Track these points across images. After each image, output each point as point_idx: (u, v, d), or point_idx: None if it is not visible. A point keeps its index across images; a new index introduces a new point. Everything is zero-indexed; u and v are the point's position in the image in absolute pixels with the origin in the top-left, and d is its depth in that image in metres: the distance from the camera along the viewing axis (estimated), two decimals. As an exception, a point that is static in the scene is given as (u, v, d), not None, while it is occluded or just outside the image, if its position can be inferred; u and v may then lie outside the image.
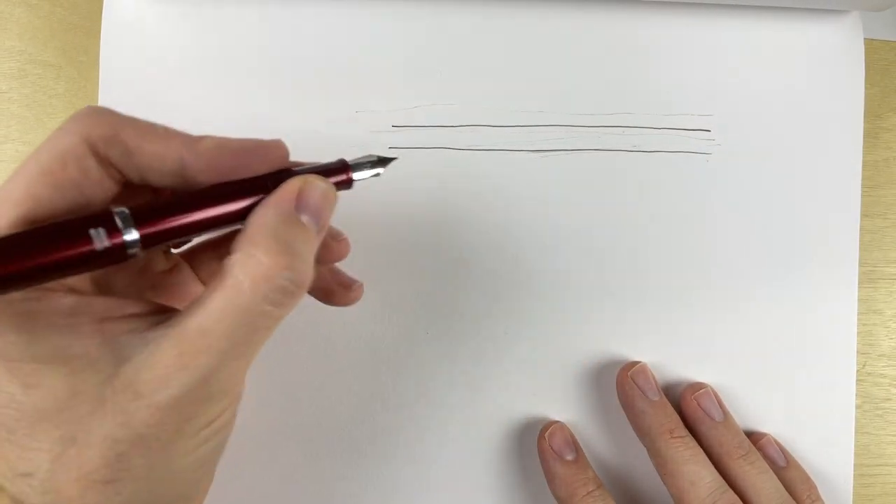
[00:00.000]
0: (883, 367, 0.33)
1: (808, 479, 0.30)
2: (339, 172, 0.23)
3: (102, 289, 0.22)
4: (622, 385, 0.30)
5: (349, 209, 0.31)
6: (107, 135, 0.20)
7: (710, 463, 0.29)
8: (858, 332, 0.32)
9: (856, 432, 0.32)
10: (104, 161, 0.20)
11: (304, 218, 0.21)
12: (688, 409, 0.30)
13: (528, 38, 0.32)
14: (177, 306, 0.22)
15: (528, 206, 0.31)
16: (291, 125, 0.31)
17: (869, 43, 0.33)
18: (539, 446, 0.30)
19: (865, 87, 0.32)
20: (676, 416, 0.30)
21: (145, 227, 0.19)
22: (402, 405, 0.31)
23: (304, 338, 0.30)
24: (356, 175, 0.23)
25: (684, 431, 0.29)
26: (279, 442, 0.29)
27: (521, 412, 0.31)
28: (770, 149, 0.32)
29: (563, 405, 0.31)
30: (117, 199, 0.21)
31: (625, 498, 0.31)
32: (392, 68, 0.31)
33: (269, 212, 0.20)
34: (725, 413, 0.30)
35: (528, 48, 0.32)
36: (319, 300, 0.25)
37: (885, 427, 0.33)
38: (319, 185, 0.21)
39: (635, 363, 0.31)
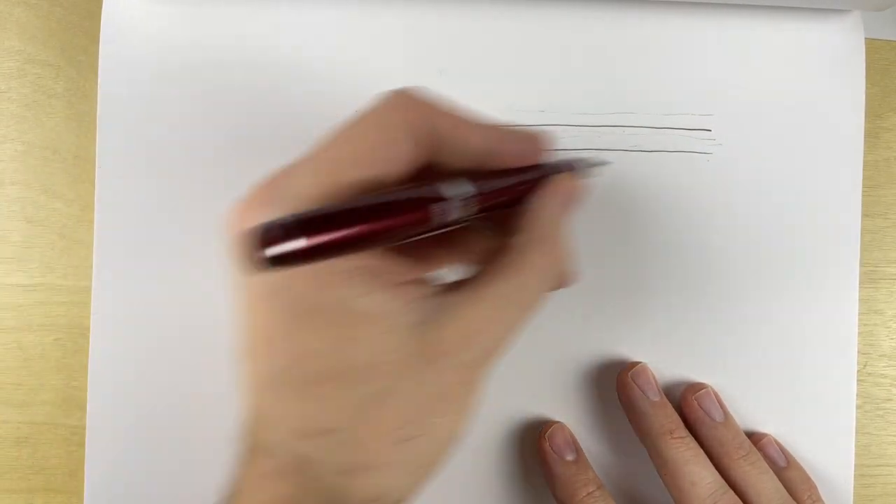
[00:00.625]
0: (884, 367, 0.33)
1: (808, 479, 0.30)
2: (577, 170, 0.26)
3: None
4: (623, 385, 0.30)
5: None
6: (428, 118, 0.21)
7: (710, 463, 0.29)
8: (859, 333, 0.32)
9: (856, 433, 0.32)
10: (421, 140, 0.21)
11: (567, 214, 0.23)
12: (688, 409, 0.30)
13: (528, 37, 0.31)
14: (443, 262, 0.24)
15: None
16: (291, 124, 0.31)
17: (870, 42, 0.33)
18: (539, 447, 0.30)
19: (866, 87, 0.32)
20: (677, 417, 0.30)
21: (475, 201, 0.21)
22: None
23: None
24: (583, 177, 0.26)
25: (685, 432, 0.29)
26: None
27: (521, 412, 0.31)
28: (770, 148, 0.32)
29: (564, 405, 0.31)
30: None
31: (625, 499, 0.31)
32: (392, 68, 0.31)
33: (549, 204, 0.23)
34: (726, 413, 0.30)
35: (528, 48, 0.31)
36: None
37: (885, 427, 0.33)
38: (580, 185, 0.24)
39: (636, 363, 0.31)
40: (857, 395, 0.32)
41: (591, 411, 0.31)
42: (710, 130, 0.32)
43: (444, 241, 0.25)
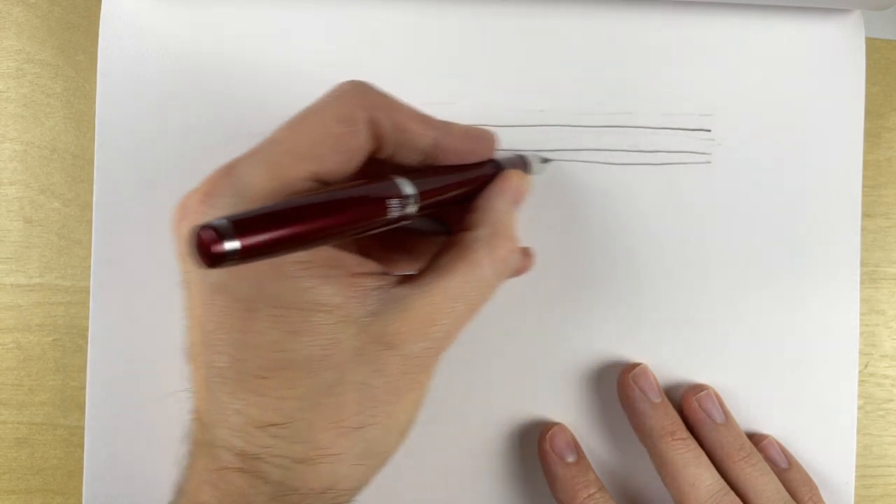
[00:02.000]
0: (885, 367, 0.33)
1: (809, 480, 0.30)
2: (522, 167, 0.27)
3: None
4: (623, 386, 0.30)
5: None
6: (387, 111, 0.21)
7: (711, 465, 0.28)
8: (860, 333, 0.32)
9: (858, 433, 0.32)
10: (376, 133, 0.21)
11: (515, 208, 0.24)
12: (689, 410, 0.30)
13: (528, 37, 0.31)
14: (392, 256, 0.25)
15: (528, 208, 0.31)
16: (290, 124, 0.30)
17: (870, 42, 0.33)
18: (540, 448, 0.30)
19: (867, 87, 0.32)
20: (678, 418, 0.30)
21: (423, 198, 0.21)
22: (402, 406, 0.31)
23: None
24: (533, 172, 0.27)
25: (686, 433, 0.29)
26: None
27: (522, 414, 0.31)
28: (770, 148, 0.32)
29: (564, 407, 0.31)
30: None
31: (626, 500, 0.31)
32: (391, 67, 0.31)
33: (501, 199, 0.23)
34: (727, 415, 0.30)
35: (527, 47, 0.31)
36: None
37: (887, 428, 0.33)
38: (528, 181, 0.26)
39: (636, 364, 0.31)
40: (858, 395, 0.32)
41: (592, 412, 0.31)
42: (709, 131, 0.32)
43: (395, 245, 0.26)
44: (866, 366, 0.33)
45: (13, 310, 0.31)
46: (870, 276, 0.33)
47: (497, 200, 0.23)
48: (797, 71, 0.32)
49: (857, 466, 0.32)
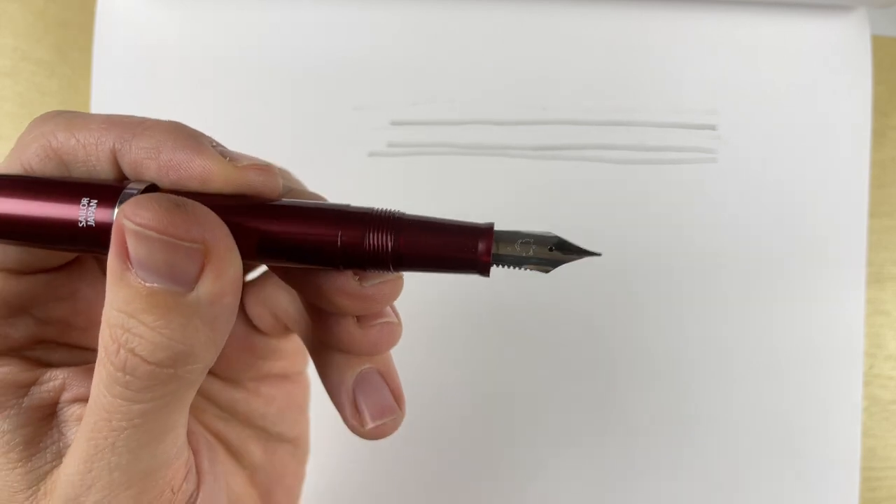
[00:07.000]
0: (890, 369, 0.33)
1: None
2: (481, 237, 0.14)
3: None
4: None
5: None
6: (63, 128, 0.17)
7: None
8: (865, 334, 0.32)
9: (862, 435, 0.32)
10: (58, 156, 0.17)
11: (139, 275, 0.14)
12: None
13: (531, 34, 0.31)
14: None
15: (530, 206, 0.31)
16: (290, 122, 0.30)
17: (876, 40, 0.32)
18: None
19: (873, 85, 0.32)
20: None
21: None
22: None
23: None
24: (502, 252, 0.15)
25: None
26: None
27: (520, 411, 0.31)
28: (776, 146, 0.32)
29: (563, 406, 0.31)
30: None
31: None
32: (391, 64, 0.31)
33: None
34: None
35: (530, 44, 0.31)
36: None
37: (891, 429, 0.33)
38: (145, 214, 0.14)
39: None
40: (863, 396, 0.32)
41: (591, 411, 0.31)
42: (715, 129, 0.31)
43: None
44: (871, 367, 0.33)
45: (9, 310, 0.31)
46: (875, 277, 0.33)
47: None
48: (803, 68, 0.32)
49: (861, 468, 0.32)
